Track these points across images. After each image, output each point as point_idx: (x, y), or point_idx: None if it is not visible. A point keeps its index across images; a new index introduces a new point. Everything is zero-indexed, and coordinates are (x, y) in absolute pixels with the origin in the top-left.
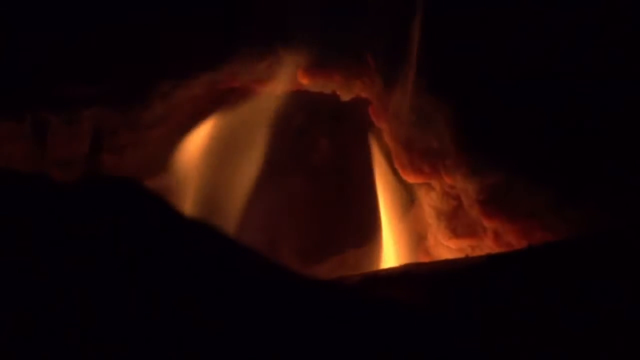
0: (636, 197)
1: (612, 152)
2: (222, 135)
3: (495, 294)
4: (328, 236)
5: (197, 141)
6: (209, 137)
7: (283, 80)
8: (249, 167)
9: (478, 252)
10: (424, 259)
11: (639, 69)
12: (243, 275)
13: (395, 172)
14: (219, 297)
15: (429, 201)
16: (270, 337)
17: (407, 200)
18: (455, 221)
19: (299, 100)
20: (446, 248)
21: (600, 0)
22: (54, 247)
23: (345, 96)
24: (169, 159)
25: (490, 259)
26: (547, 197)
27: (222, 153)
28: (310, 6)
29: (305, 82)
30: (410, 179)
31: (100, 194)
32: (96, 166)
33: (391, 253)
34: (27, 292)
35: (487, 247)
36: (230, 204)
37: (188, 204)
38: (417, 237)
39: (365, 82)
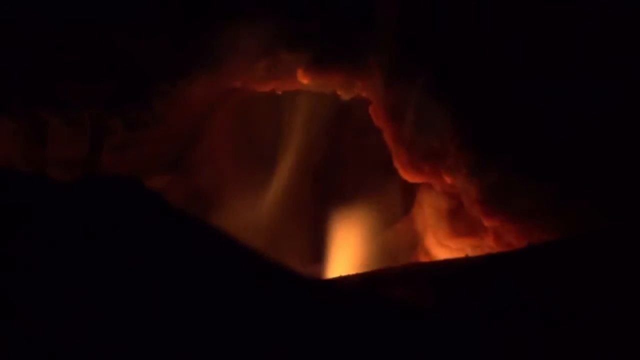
0: (635, 196)
1: (612, 152)
2: None
3: (495, 293)
4: (328, 236)
5: None
6: None
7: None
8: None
9: (478, 252)
10: (424, 259)
11: (639, 69)
12: (243, 274)
13: (395, 173)
14: (218, 295)
15: (429, 201)
16: (270, 335)
17: (407, 200)
18: (456, 221)
19: (299, 100)
20: (446, 248)
21: (600, 0)
22: (53, 246)
23: (345, 96)
24: (169, 158)
25: (490, 258)
26: (547, 197)
27: None
28: (310, 6)
29: (305, 81)
30: (411, 178)
31: (100, 193)
32: (96, 166)
33: (390, 253)
34: (27, 290)
35: (487, 246)
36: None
37: None
38: (416, 237)
39: (366, 82)
